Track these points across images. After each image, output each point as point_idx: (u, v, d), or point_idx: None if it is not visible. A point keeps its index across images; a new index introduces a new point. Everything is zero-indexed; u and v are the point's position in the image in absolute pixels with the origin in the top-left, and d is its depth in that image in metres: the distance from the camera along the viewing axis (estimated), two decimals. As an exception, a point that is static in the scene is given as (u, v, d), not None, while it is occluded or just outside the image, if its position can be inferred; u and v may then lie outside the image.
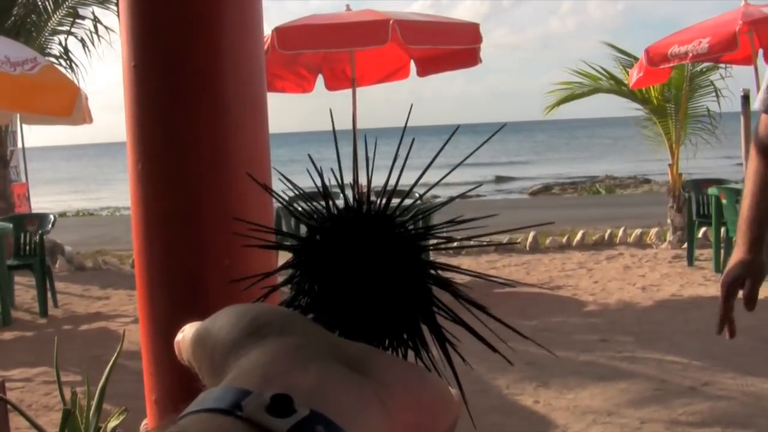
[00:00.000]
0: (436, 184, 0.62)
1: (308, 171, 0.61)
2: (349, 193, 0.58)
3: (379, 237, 0.54)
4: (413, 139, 0.62)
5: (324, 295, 0.54)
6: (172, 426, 0.39)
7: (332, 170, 0.60)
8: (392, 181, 0.58)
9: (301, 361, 0.44)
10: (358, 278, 0.53)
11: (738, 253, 2.64)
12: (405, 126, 0.62)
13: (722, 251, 9.41)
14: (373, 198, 0.56)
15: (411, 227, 0.56)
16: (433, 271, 0.56)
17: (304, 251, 0.56)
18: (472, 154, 0.61)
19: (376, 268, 0.53)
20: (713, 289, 8.77)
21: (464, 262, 10.60)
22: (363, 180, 0.59)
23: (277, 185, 0.68)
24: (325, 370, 0.43)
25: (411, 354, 0.57)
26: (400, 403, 0.44)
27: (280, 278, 0.63)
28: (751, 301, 2.62)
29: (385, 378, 0.44)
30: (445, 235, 0.59)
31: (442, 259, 0.56)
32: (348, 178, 0.59)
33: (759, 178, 2.63)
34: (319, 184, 0.59)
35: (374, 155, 0.61)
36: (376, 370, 0.45)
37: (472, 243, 0.62)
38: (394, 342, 0.56)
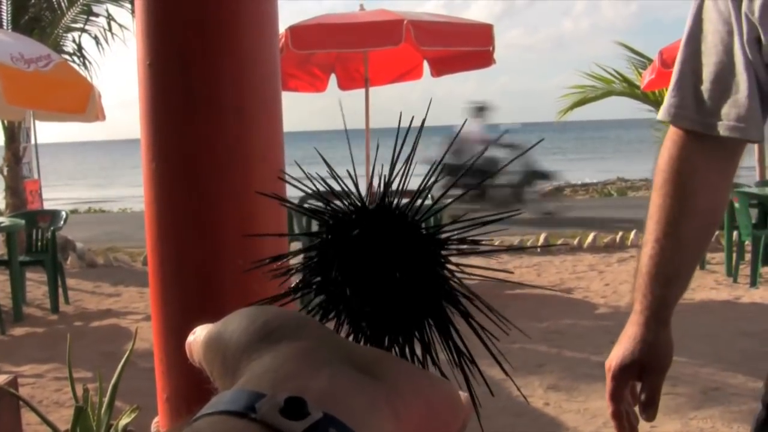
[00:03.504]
0: (452, 185, 0.62)
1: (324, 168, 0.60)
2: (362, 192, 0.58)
3: (401, 232, 0.55)
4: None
5: (342, 282, 0.55)
6: (186, 428, 0.39)
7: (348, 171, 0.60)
8: (404, 181, 0.58)
9: (313, 365, 0.44)
10: (377, 270, 0.53)
11: (634, 327, 1.84)
12: (423, 123, 0.62)
13: (734, 255, 9.39)
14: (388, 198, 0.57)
15: (430, 227, 0.57)
16: (448, 271, 0.56)
17: (326, 240, 0.56)
18: (505, 166, 0.61)
19: (396, 262, 0.54)
20: (725, 293, 8.75)
21: (474, 262, 10.55)
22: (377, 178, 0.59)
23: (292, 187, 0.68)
24: (337, 374, 0.43)
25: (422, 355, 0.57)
26: (410, 406, 0.44)
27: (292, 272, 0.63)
28: (650, 406, 1.80)
29: (396, 382, 0.45)
30: (460, 236, 0.59)
31: (454, 259, 0.56)
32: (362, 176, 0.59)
33: (665, 217, 1.83)
34: (332, 184, 0.60)
35: (413, 152, 0.60)
36: (386, 374, 0.45)
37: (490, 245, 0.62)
38: (408, 338, 0.56)
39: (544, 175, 15.72)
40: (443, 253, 0.56)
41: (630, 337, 1.83)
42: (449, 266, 0.56)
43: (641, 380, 1.83)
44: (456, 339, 0.57)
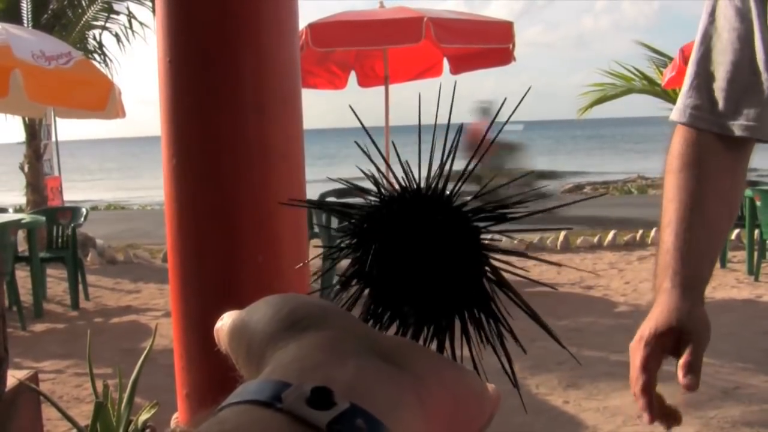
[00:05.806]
0: (469, 173, 0.62)
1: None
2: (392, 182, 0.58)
3: (445, 218, 0.55)
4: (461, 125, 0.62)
5: (383, 268, 0.55)
6: (211, 417, 0.39)
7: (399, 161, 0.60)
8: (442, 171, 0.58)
9: (339, 355, 0.44)
10: (418, 256, 0.53)
11: (666, 299, 1.67)
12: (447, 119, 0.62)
13: (755, 253, 9.33)
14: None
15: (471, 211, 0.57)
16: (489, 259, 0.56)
17: (364, 228, 0.57)
18: (509, 117, 0.61)
19: (438, 248, 0.54)
20: (746, 291, 8.70)
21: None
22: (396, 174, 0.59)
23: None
24: (363, 364, 0.43)
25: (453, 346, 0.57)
26: (435, 396, 0.44)
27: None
28: (693, 371, 1.62)
29: (422, 372, 0.44)
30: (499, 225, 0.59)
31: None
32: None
33: (688, 196, 1.71)
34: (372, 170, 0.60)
35: (455, 145, 0.60)
36: (412, 364, 0.45)
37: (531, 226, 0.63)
38: (450, 321, 0.56)
39: (550, 175, 15.65)
40: (478, 224, 0.56)
41: (664, 306, 1.66)
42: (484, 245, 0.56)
43: (677, 354, 1.64)
44: (499, 315, 0.57)
